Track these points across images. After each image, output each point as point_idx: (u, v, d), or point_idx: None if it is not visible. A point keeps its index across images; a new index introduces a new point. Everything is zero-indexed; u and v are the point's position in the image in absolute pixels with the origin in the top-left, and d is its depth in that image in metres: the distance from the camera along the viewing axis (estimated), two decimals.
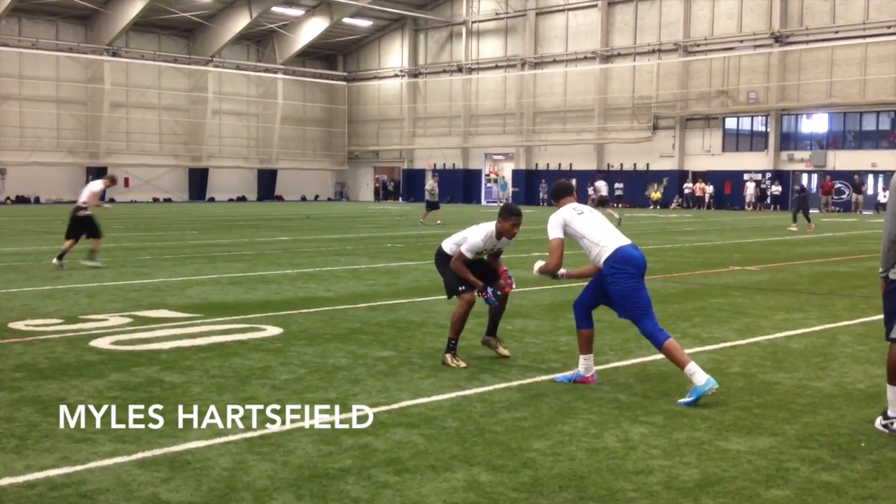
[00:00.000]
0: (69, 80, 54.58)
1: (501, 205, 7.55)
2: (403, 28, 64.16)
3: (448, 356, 7.32)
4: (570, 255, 7.01)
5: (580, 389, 6.49)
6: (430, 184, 32.59)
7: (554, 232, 6.60)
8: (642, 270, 6.47)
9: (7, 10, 49.87)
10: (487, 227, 7.36)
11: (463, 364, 7.22)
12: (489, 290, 7.34)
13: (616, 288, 6.40)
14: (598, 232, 6.55)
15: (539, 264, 6.82)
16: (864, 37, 45.13)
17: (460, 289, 7.38)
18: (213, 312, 10.08)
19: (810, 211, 27.91)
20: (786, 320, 9.73)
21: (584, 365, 6.69)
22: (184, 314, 9.96)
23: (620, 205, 52.58)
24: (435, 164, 59.69)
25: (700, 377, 6.03)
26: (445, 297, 7.67)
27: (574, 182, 36.28)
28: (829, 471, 4.72)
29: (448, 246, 7.55)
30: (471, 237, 7.36)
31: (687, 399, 6.05)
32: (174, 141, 59.67)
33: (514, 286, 7.74)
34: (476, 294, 7.39)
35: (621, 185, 53.52)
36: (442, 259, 7.61)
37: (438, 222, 30.48)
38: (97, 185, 16.73)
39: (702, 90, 50.74)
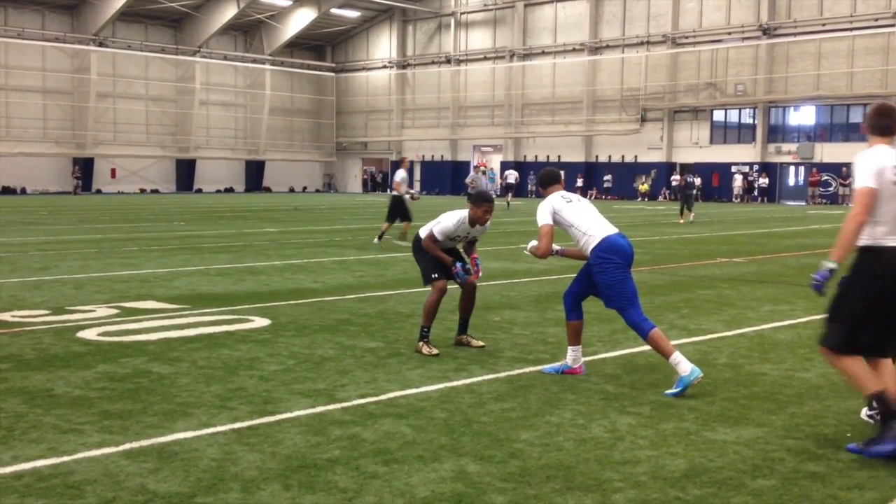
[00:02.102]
0: (55, 70, 54.24)
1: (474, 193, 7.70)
2: (392, 19, 64.01)
3: (421, 344, 7.42)
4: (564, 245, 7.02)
5: (568, 380, 6.51)
6: (471, 176, 31.19)
7: (543, 218, 6.59)
8: (629, 260, 6.48)
9: None
10: (461, 213, 7.52)
11: (435, 351, 7.32)
12: (458, 265, 7.49)
13: (602, 277, 6.41)
14: (587, 221, 6.57)
15: (532, 244, 6.79)
16: (851, 29, 45.28)
17: (433, 276, 7.51)
18: (201, 304, 10.06)
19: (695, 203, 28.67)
20: (772, 312, 9.78)
21: (572, 356, 6.72)
22: (171, 305, 9.93)
23: (609, 196, 52.71)
24: (484, 158, 59.63)
25: (685, 367, 6.07)
26: (429, 285, 7.70)
27: (516, 172, 35.93)
28: (815, 461, 4.76)
29: (424, 232, 7.66)
30: (444, 221, 7.52)
31: (674, 390, 6.08)
32: (161, 132, 59.41)
33: (481, 274, 7.77)
34: (453, 280, 7.53)
35: (609, 177, 53.61)
36: (418, 246, 7.73)
37: None
38: (400, 173, 19.07)
39: (690, 82, 50.84)
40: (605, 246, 6.41)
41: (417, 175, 63.74)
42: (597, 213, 6.72)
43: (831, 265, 4.88)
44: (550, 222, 6.59)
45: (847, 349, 4.84)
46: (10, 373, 6.57)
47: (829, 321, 4.95)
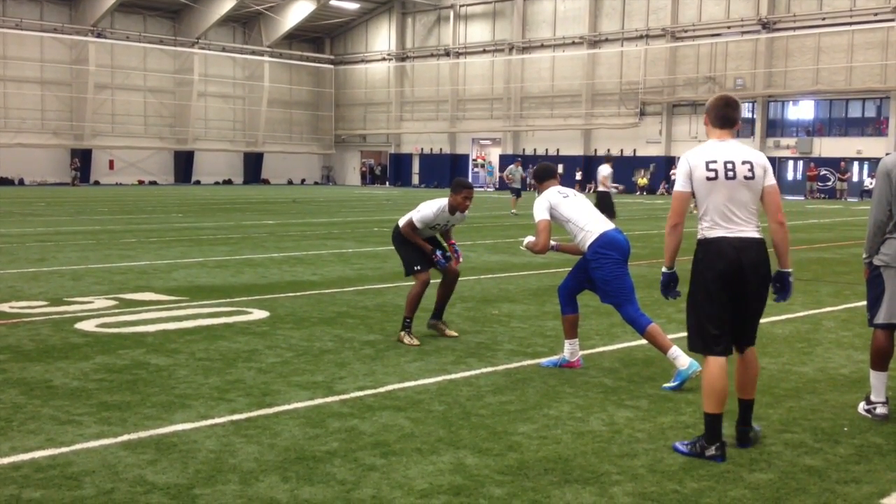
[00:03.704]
0: (53, 61, 54.11)
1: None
2: (391, 11, 63.87)
3: (403, 334, 7.54)
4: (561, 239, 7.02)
5: (566, 374, 6.52)
6: (509, 169, 30.94)
7: (541, 214, 6.61)
8: (626, 255, 6.53)
9: None
10: (440, 202, 7.64)
11: (416, 342, 7.44)
12: (438, 252, 7.62)
13: (599, 273, 6.44)
14: (584, 216, 6.59)
15: (529, 239, 6.79)
16: (850, 24, 45.23)
17: (416, 268, 7.69)
18: (199, 295, 10.05)
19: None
20: (770, 306, 9.71)
21: (570, 350, 6.72)
22: (169, 297, 9.93)
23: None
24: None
25: (683, 361, 6.11)
26: (411, 276, 7.82)
27: (560, 167, 35.60)
28: (812, 455, 4.77)
29: (403, 221, 7.82)
30: (423, 209, 7.64)
31: (672, 384, 6.11)
32: (159, 123, 59.32)
33: (462, 260, 7.80)
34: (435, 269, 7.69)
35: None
36: (399, 237, 7.86)
37: (513, 211, 28.86)
38: (606, 169, 19.28)
39: (689, 76, 50.79)
40: (603, 241, 6.44)
41: (416, 168, 63.71)
42: (593, 209, 6.76)
43: (664, 269, 5.10)
44: (548, 217, 6.60)
45: (703, 346, 4.84)
46: (8, 364, 6.57)
47: (687, 323, 4.98)
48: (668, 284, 5.11)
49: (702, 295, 4.83)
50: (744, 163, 4.81)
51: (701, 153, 4.86)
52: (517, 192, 29.97)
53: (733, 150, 4.85)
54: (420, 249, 7.71)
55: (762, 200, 4.87)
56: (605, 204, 19.05)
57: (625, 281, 6.43)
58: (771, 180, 4.87)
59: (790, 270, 5.00)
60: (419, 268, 7.66)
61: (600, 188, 19.70)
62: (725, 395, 4.79)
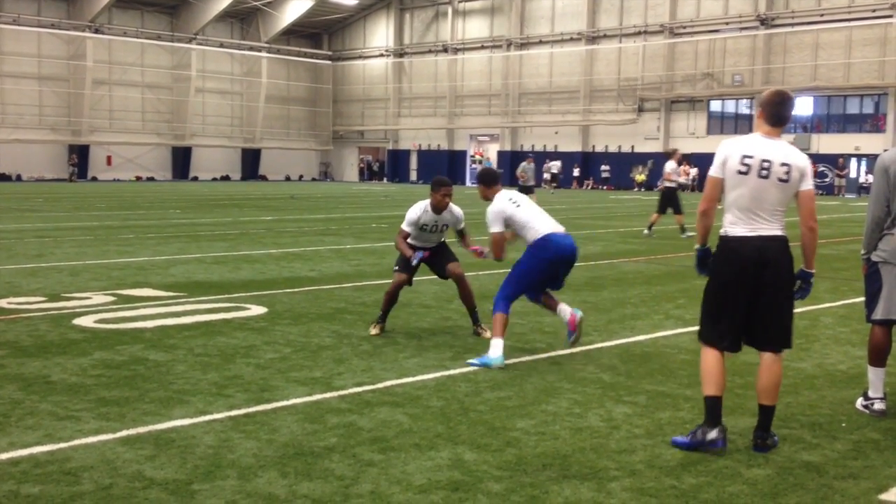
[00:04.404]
0: (51, 56, 54.04)
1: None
2: (389, 7, 63.81)
3: (373, 324, 7.84)
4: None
5: (564, 370, 6.52)
6: (522, 167, 29.73)
7: (496, 226, 6.89)
8: (563, 257, 6.84)
9: None
10: (423, 202, 7.75)
11: (374, 332, 7.66)
12: (419, 253, 7.67)
13: (524, 257, 6.87)
14: (536, 220, 6.91)
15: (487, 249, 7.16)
16: (849, 20, 45.24)
17: (395, 269, 7.89)
18: (197, 291, 10.05)
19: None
20: None
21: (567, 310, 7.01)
22: (168, 293, 9.93)
23: (606, 187, 52.70)
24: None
25: (496, 352, 6.54)
26: (427, 278, 7.82)
27: (559, 163, 35.23)
28: (810, 450, 4.78)
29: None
30: (408, 212, 7.74)
31: (475, 360, 6.60)
32: (157, 119, 59.25)
33: (486, 255, 7.68)
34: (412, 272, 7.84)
35: (607, 168, 53.59)
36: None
37: None
38: (671, 164, 19.26)
39: (687, 72, 50.80)
40: (540, 242, 6.80)
41: (414, 164, 63.70)
42: (542, 212, 7.06)
43: (696, 247, 5.09)
44: (502, 230, 6.91)
45: (708, 339, 4.90)
46: (6, 359, 6.56)
47: (700, 310, 5.03)
48: (703, 260, 5.02)
49: (716, 290, 4.87)
50: (782, 164, 4.74)
51: (740, 145, 4.81)
52: (530, 190, 29.53)
53: (776, 149, 4.77)
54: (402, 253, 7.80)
55: (796, 202, 4.84)
56: (670, 199, 18.90)
57: (527, 276, 6.85)
58: (808, 185, 4.81)
59: (813, 272, 4.99)
60: (397, 268, 7.84)
61: (666, 183, 19.38)
62: (721, 379, 4.82)
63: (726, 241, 4.82)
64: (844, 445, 4.87)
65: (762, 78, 47.90)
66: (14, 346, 7.04)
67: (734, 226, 4.79)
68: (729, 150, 4.80)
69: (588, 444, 4.79)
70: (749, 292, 4.78)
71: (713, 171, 4.84)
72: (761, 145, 4.77)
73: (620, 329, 8.12)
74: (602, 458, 4.59)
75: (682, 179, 20.46)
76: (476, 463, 4.47)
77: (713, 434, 4.68)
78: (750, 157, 4.74)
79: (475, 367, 6.51)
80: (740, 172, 4.74)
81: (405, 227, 7.75)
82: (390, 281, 7.84)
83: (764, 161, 4.72)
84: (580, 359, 6.90)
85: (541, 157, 55.02)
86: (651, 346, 7.41)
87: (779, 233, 4.79)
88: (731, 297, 4.80)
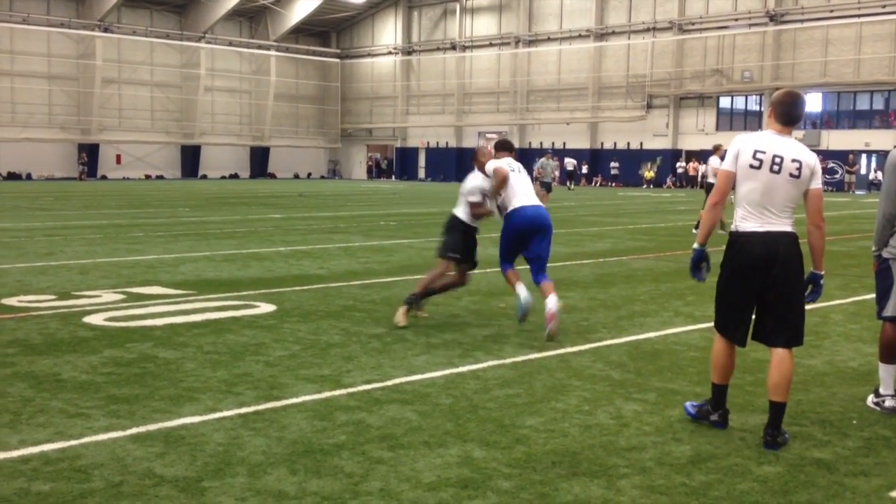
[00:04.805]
0: (61, 55, 54.21)
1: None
2: (397, 5, 63.80)
3: (403, 309, 7.99)
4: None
5: (573, 367, 6.51)
6: (540, 163, 29.59)
7: (496, 166, 7.88)
8: (533, 225, 7.77)
9: None
10: (472, 174, 8.26)
11: (402, 322, 7.84)
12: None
13: (501, 230, 8.00)
14: (519, 190, 7.86)
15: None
16: (858, 16, 45.05)
17: (448, 253, 8.17)
18: (207, 289, 10.07)
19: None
20: None
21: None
22: (177, 291, 9.95)
23: (615, 183, 52.62)
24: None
25: (522, 292, 7.60)
26: (441, 259, 8.16)
27: (574, 160, 34.82)
28: (821, 448, 4.76)
29: (461, 211, 8.27)
30: (469, 184, 8.19)
31: (519, 313, 7.66)
32: (166, 118, 59.39)
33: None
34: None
35: (616, 164, 53.50)
36: (451, 223, 8.35)
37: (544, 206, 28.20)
38: (715, 160, 18.62)
39: (696, 69, 50.65)
40: (514, 212, 7.81)
41: (422, 162, 63.71)
42: (526, 186, 7.96)
43: (695, 246, 5.10)
44: (504, 168, 7.84)
45: (721, 330, 5.04)
46: (17, 357, 6.59)
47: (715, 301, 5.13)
48: (698, 263, 5.08)
49: (727, 283, 4.95)
50: (793, 161, 4.82)
51: (753, 140, 4.91)
52: (548, 187, 28.48)
53: (787, 145, 4.86)
54: (463, 241, 8.18)
55: (804, 201, 4.90)
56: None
57: (504, 243, 7.96)
58: (817, 184, 4.89)
59: (822, 273, 5.03)
60: (451, 254, 8.16)
61: (710, 179, 18.81)
62: (728, 370, 5.05)
63: (737, 235, 4.88)
64: (855, 442, 4.85)
65: (771, 74, 47.74)
66: (24, 343, 7.07)
67: (745, 220, 4.85)
68: (742, 145, 4.89)
69: (597, 442, 4.78)
70: (758, 287, 4.83)
71: (726, 165, 4.92)
72: (774, 141, 4.86)
73: (630, 326, 8.11)
74: (612, 455, 4.58)
75: None
76: (485, 460, 4.47)
77: (714, 417, 5.04)
78: (762, 151, 4.82)
79: (485, 365, 6.50)
80: (752, 167, 4.82)
81: (478, 196, 8.12)
82: (396, 279, 7.84)
83: (776, 156, 4.80)
84: (589, 356, 6.89)
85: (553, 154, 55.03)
86: (660, 343, 7.39)
87: (789, 229, 4.85)
88: (740, 291, 4.88)
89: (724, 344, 5.02)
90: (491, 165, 7.91)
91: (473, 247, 8.38)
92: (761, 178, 4.80)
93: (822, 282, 5.02)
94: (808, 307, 5.04)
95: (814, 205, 4.88)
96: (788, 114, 4.92)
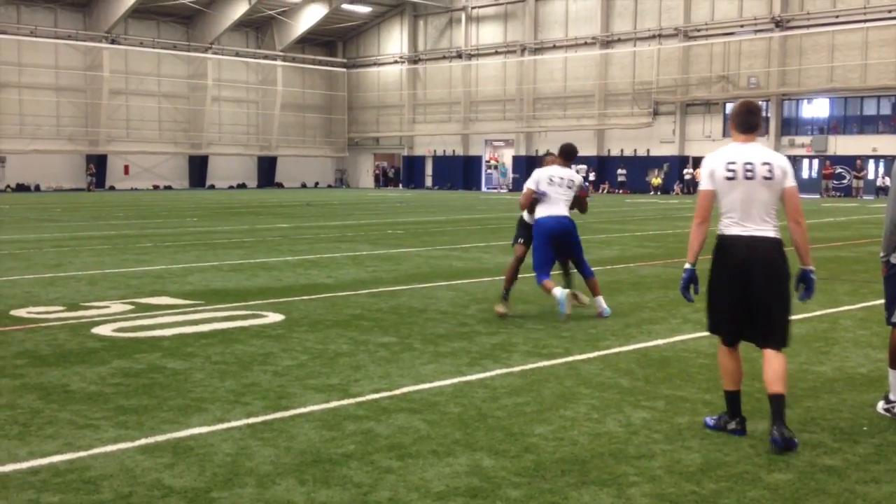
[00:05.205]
0: (68, 67, 54.42)
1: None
2: (403, 14, 63.92)
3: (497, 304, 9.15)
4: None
5: (582, 375, 6.49)
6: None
7: (529, 183, 8.95)
8: (553, 235, 8.78)
9: None
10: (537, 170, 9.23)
11: (502, 310, 8.93)
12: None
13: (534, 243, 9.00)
14: (548, 200, 8.84)
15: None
16: (865, 21, 44.96)
17: (518, 241, 9.30)
18: (215, 299, 10.08)
19: None
20: None
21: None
22: (185, 301, 9.97)
23: (622, 191, 52.57)
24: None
25: (557, 293, 8.50)
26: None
27: (585, 167, 34.41)
28: (832, 455, 4.73)
29: (526, 214, 9.20)
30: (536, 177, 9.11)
31: (562, 311, 8.49)
32: (174, 128, 59.55)
33: (589, 195, 9.56)
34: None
35: (623, 171, 53.47)
36: (518, 221, 9.44)
37: None
38: None
39: (702, 75, 50.59)
40: (538, 223, 8.86)
41: (429, 170, 63.76)
42: (558, 198, 8.84)
43: (686, 266, 5.24)
44: (533, 188, 8.90)
45: (715, 331, 5.24)
46: (26, 369, 6.60)
47: (706, 308, 5.32)
48: (688, 284, 5.23)
49: (717, 288, 5.14)
50: (764, 164, 5.05)
51: (722, 154, 5.16)
52: None
53: (754, 151, 5.09)
54: (527, 227, 9.16)
55: (782, 201, 5.09)
56: None
57: (538, 252, 8.84)
58: (791, 182, 5.10)
59: (812, 268, 5.17)
60: (521, 240, 9.26)
61: None
62: (737, 374, 5.17)
63: (722, 239, 5.13)
64: (866, 449, 4.82)
65: (778, 80, 47.69)
66: (33, 355, 7.08)
67: (729, 227, 5.10)
68: (713, 163, 5.14)
69: (607, 450, 4.77)
70: (743, 289, 5.03)
71: (703, 185, 5.16)
72: (741, 151, 5.11)
73: (638, 333, 8.09)
74: (621, 463, 4.56)
75: None
76: (494, 469, 4.46)
77: (733, 425, 5.07)
78: (733, 162, 5.08)
79: (493, 373, 6.49)
80: (728, 178, 5.06)
81: (532, 185, 9.07)
82: (404, 287, 7.84)
83: (747, 164, 5.05)
84: (598, 363, 6.87)
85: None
86: (669, 350, 7.38)
87: (772, 234, 5.06)
88: (731, 293, 5.07)
89: (727, 349, 5.18)
90: (529, 181, 8.99)
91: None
92: (739, 186, 5.03)
93: (812, 276, 5.16)
94: (816, 312, 5.06)
95: (792, 203, 5.08)
96: (746, 123, 5.18)
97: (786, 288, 5.05)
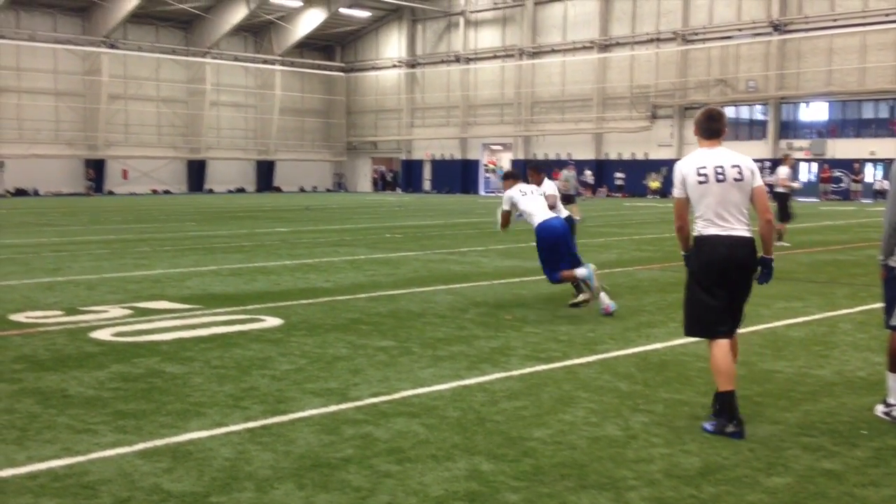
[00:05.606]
0: (67, 72, 54.42)
1: (501, 194, 9.90)
2: (401, 19, 63.98)
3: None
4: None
5: (580, 378, 6.49)
6: (564, 175, 28.14)
7: (504, 205, 9.76)
8: (557, 238, 9.44)
9: (5, 3, 49.78)
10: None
11: (582, 297, 9.72)
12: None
13: (537, 246, 9.67)
14: (535, 209, 9.62)
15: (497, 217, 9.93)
16: (863, 25, 45.01)
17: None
18: (213, 303, 10.08)
19: None
20: (786, 309, 9.74)
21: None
22: (184, 305, 9.96)
23: (620, 194, 52.60)
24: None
25: (583, 271, 9.30)
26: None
27: (574, 171, 34.43)
28: (830, 458, 4.73)
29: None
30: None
31: (591, 283, 9.30)
32: (172, 133, 59.54)
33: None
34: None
35: (622, 175, 53.49)
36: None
37: (577, 218, 26.80)
38: (784, 170, 18.84)
39: (700, 79, 50.64)
40: (539, 227, 9.52)
41: (427, 174, 63.79)
42: (541, 204, 9.66)
43: (682, 253, 5.64)
44: (507, 208, 9.76)
45: (695, 330, 5.45)
46: (23, 373, 6.60)
47: (683, 312, 5.57)
48: (689, 260, 5.55)
49: (698, 287, 5.37)
50: (733, 166, 5.33)
51: (691, 161, 5.43)
52: (571, 199, 28.13)
53: (722, 155, 5.38)
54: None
55: (752, 200, 5.38)
56: (781, 205, 18.13)
57: (545, 254, 9.53)
58: (759, 182, 5.39)
59: (773, 258, 5.48)
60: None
61: (779, 188, 18.57)
62: (733, 373, 5.27)
63: (702, 239, 5.38)
64: (865, 453, 4.82)
65: (776, 84, 47.74)
66: (31, 359, 7.08)
67: (707, 227, 5.35)
68: (684, 170, 5.41)
69: (605, 454, 4.77)
70: (724, 283, 5.32)
71: (676, 193, 5.45)
72: (709, 156, 5.39)
73: (637, 337, 8.09)
74: (620, 467, 4.56)
75: (796, 185, 19.72)
76: (493, 473, 4.45)
77: (731, 428, 5.09)
78: (703, 167, 5.34)
79: (492, 377, 6.49)
80: (700, 183, 5.33)
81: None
82: (403, 291, 7.84)
83: (717, 167, 5.32)
84: (596, 367, 6.87)
85: (554, 165, 55.03)
86: (668, 354, 7.38)
87: (747, 234, 5.35)
88: (715, 289, 5.32)
89: (720, 347, 5.30)
90: (504, 199, 9.71)
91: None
92: (712, 189, 5.30)
93: (772, 265, 5.46)
94: (814, 316, 5.11)
95: (761, 201, 5.38)
96: (710, 129, 5.44)
97: (751, 285, 5.42)
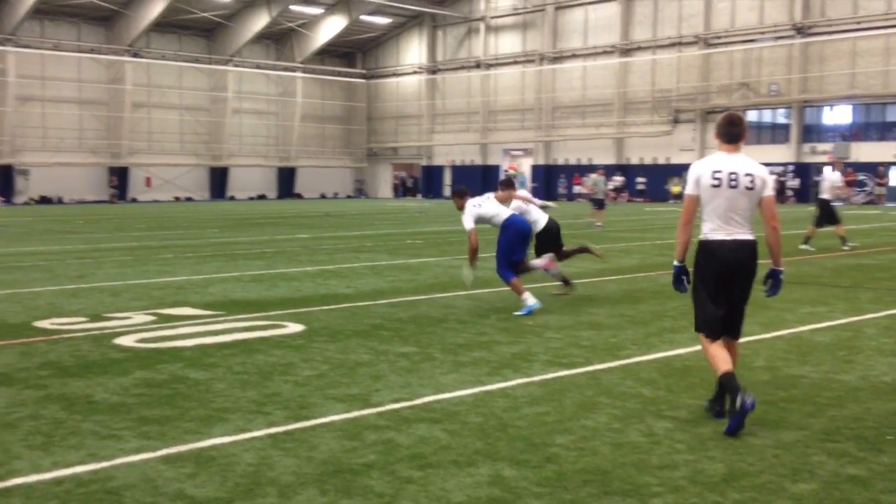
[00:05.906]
0: (91, 80, 54.96)
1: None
2: (421, 25, 64.13)
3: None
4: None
5: (603, 384, 6.46)
6: (592, 178, 28.42)
7: (468, 223, 10.10)
8: (522, 234, 10.16)
9: (29, 12, 50.33)
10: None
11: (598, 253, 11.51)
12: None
13: (499, 238, 10.15)
14: (497, 210, 10.19)
15: (465, 271, 10.45)
16: (886, 27, 44.62)
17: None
18: (236, 310, 10.13)
19: None
20: (810, 313, 9.65)
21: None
22: (206, 311, 10.02)
23: (641, 199, 52.40)
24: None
25: (529, 300, 9.54)
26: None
27: (603, 175, 34.11)
28: (856, 464, 4.68)
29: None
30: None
31: (520, 311, 9.46)
32: (195, 140, 59.96)
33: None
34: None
35: (643, 180, 53.29)
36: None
37: (598, 224, 26.19)
38: (834, 176, 18.73)
39: (722, 83, 50.39)
40: (506, 222, 10.08)
41: (448, 180, 63.82)
42: (500, 205, 10.29)
43: (675, 263, 5.71)
44: (473, 226, 10.09)
45: (703, 329, 5.54)
46: (49, 380, 6.66)
47: (694, 310, 5.69)
48: (679, 277, 5.68)
49: (703, 288, 5.54)
50: (746, 174, 5.46)
51: (709, 163, 5.55)
52: (601, 204, 27.47)
53: (739, 162, 5.50)
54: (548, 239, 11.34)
55: (760, 208, 5.52)
56: (824, 212, 18.05)
57: (503, 247, 10.03)
58: (769, 192, 5.54)
59: (782, 269, 5.68)
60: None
61: (824, 195, 18.36)
62: (727, 356, 5.42)
63: (708, 243, 5.53)
64: (891, 458, 4.77)
65: (799, 87, 47.41)
66: (57, 366, 7.14)
67: (714, 231, 5.51)
68: (700, 170, 5.54)
69: (629, 460, 4.74)
70: (727, 287, 5.48)
71: (689, 190, 5.59)
72: (726, 161, 5.51)
73: (659, 343, 8.05)
74: (643, 473, 4.53)
75: (847, 193, 19.42)
76: (516, 479, 4.44)
77: (739, 400, 5.10)
78: (719, 171, 5.47)
79: (513, 383, 6.47)
80: (714, 186, 5.46)
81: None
82: (424, 297, 7.84)
83: (731, 174, 5.46)
84: (619, 373, 6.84)
85: (573, 170, 54.90)
86: (691, 359, 7.33)
87: (750, 237, 5.52)
88: (717, 291, 5.48)
89: (710, 341, 5.49)
90: (464, 219, 10.14)
91: (548, 240, 11.20)
92: (723, 194, 5.44)
93: (781, 276, 5.65)
94: (838, 321, 5.03)
95: (768, 210, 5.52)
96: (729, 133, 5.55)
97: (752, 285, 5.57)
